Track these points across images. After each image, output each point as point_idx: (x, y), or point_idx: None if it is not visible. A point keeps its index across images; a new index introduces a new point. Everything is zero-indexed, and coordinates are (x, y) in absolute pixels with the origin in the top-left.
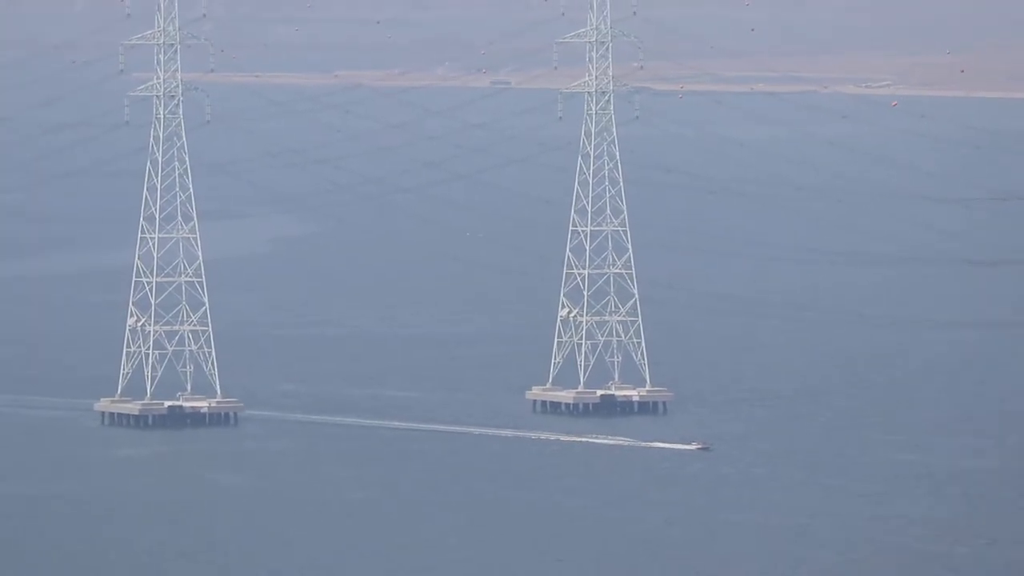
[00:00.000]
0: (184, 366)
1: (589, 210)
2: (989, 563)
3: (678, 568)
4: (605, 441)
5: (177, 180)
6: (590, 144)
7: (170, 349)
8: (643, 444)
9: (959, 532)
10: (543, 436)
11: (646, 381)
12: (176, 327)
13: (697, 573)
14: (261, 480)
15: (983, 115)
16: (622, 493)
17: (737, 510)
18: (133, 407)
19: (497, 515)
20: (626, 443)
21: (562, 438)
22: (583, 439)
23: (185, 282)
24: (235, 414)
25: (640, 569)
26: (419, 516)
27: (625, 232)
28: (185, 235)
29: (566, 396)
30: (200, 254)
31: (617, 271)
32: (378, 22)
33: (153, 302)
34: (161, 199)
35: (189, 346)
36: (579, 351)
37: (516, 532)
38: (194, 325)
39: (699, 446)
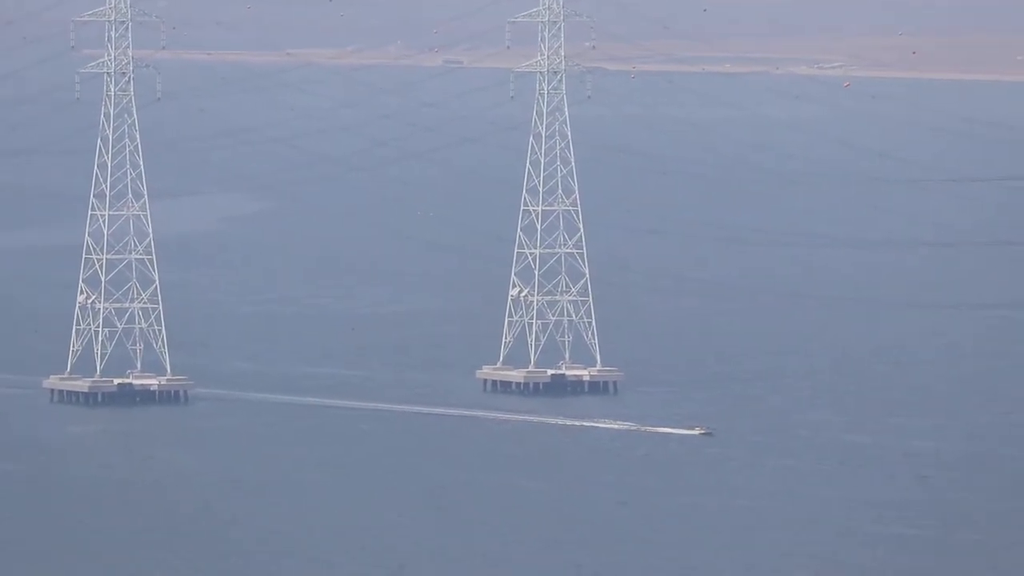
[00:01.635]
0: (134, 344)
1: (541, 189)
2: (945, 546)
3: (630, 549)
4: (610, 425)
5: (128, 157)
6: (542, 124)
7: (120, 326)
8: (645, 429)
9: (910, 514)
10: (494, 416)
11: (597, 361)
12: (126, 305)
13: (647, 554)
14: (211, 458)
15: (935, 97)
16: (574, 474)
17: (688, 491)
18: (82, 384)
19: (448, 495)
20: (628, 428)
21: (515, 417)
22: (535, 419)
23: (135, 260)
24: (185, 392)
25: (592, 550)
26: (370, 496)
27: (576, 212)
28: (135, 212)
29: (517, 375)
30: (151, 232)
31: (568, 251)
32: (330, 0)
33: (103, 279)
34: (112, 176)
35: (139, 324)
36: (530, 331)
37: (468, 512)
38: (144, 303)
39: (702, 431)
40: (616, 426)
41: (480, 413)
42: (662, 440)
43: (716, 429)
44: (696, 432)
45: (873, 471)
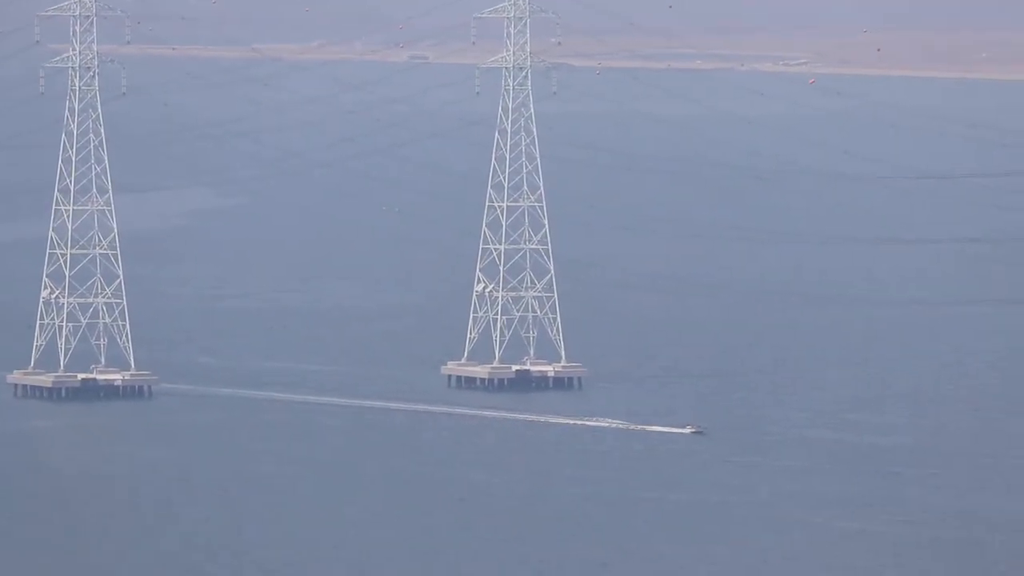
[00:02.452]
0: (98, 339)
1: (506, 185)
2: (904, 541)
3: (593, 543)
4: (600, 424)
5: (92, 152)
6: (507, 120)
7: (84, 321)
8: (636, 427)
9: (873, 510)
10: (458, 411)
11: (561, 357)
12: (90, 299)
13: (611, 548)
14: (175, 454)
15: (899, 93)
16: (538, 469)
17: (652, 487)
18: (46, 379)
19: (412, 490)
20: (617, 426)
21: (481, 413)
22: (504, 415)
23: (100, 254)
24: (149, 387)
25: (556, 544)
26: (335, 491)
27: (542, 208)
28: (100, 207)
29: (481, 371)
30: (115, 226)
31: (533, 247)
32: None
33: (67, 274)
34: (76, 171)
35: (103, 319)
36: (495, 326)
37: (432, 507)
38: (108, 298)
39: (693, 430)
40: (607, 424)
41: (444, 409)
42: (638, 437)
43: (707, 428)
44: (687, 430)
45: (839, 467)
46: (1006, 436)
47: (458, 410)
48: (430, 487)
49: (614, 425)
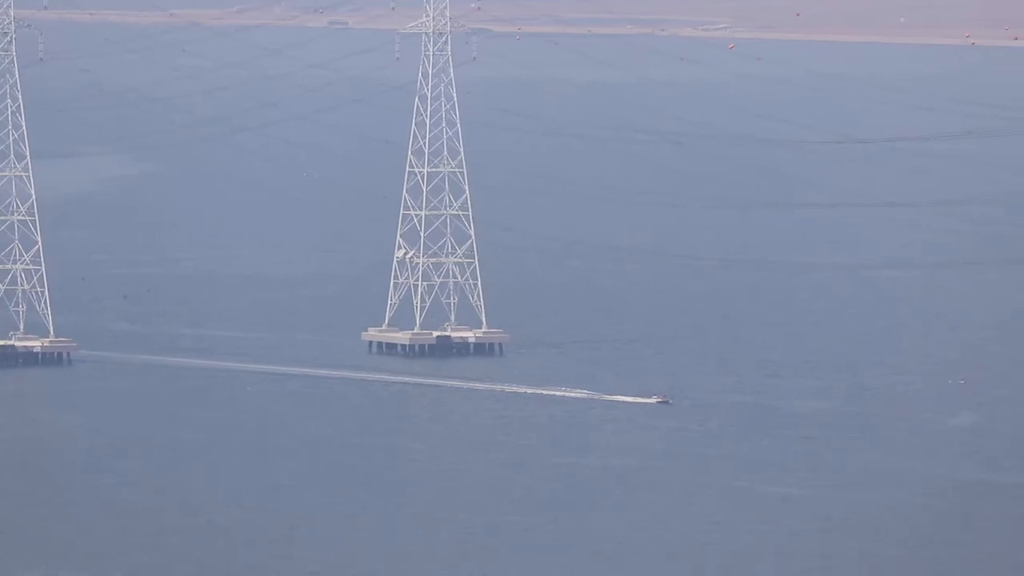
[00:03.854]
0: (16, 305)
1: (426, 151)
2: (831, 506)
3: (517, 508)
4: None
5: (10, 118)
6: (427, 85)
7: (2, 288)
8: (604, 397)
9: (794, 474)
10: (379, 377)
11: (482, 323)
12: (8, 266)
13: (531, 514)
14: (95, 420)
15: (818, 58)
16: (460, 435)
17: (571, 452)
18: None
19: (334, 457)
20: (584, 396)
21: (405, 379)
22: (426, 381)
23: (18, 221)
24: (68, 354)
25: (479, 509)
26: (257, 458)
27: (462, 173)
28: (18, 173)
29: (402, 337)
30: (33, 193)
31: (454, 212)
32: None
33: None
34: None
35: (22, 285)
36: (415, 292)
37: (354, 474)
38: (27, 264)
39: (659, 399)
40: (573, 395)
41: (365, 375)
42: (556, 403)
43: (673, 397)
44: (653, 400)
45: (759, 432)
46: (924, 399)
47: (379, 376)
48: (352, 453)
49: (577, 395)
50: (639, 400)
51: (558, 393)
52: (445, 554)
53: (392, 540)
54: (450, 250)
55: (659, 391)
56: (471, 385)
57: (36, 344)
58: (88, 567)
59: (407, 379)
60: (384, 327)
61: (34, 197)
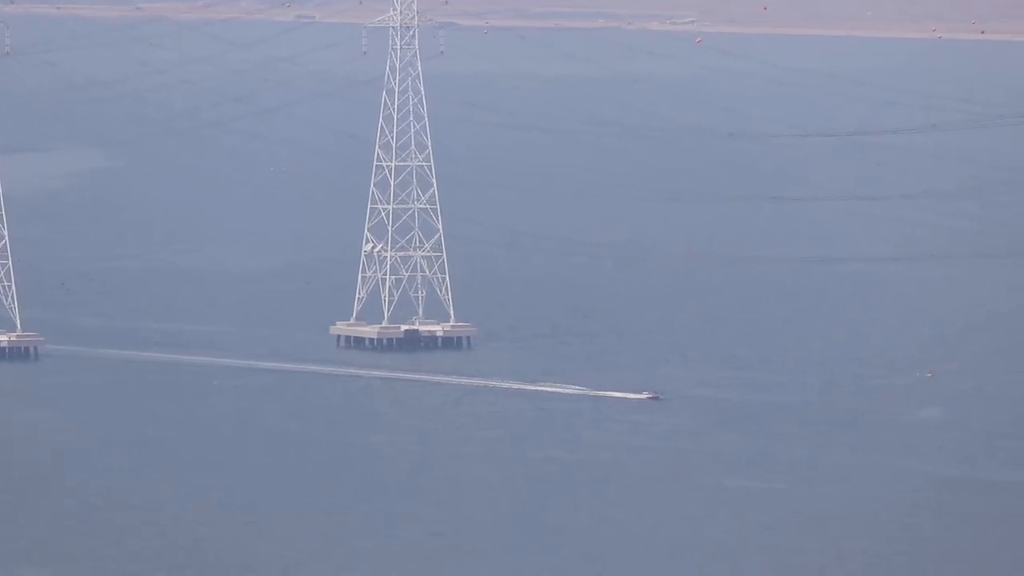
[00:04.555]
0: None
1: (394, 145)
2: (795, 499)
3: (486, 502)
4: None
5: None
6: (395, 79)
7: None
8: (594, 393)
9: (762, 469)
10: (347, 371)
11: (450, 316)
12: None
13: (501, 508)
14: (62, 415)
15: (785, 52)
16: (428, 429)
17: (544, 447)
18: None
19: (302, 451)
20: (576, 391)
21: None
22: (392, 375)
23: None
24: (35, 348)
25: (445, 505)
26: (224, 452)
27: (430, 167)
28: None
29: (370, 331)
30: (0, 187)
31: (422, 206)
32: None
33: None
34: None
35: None
36: (383, 286)
37: (321, 468)
38: None
39: (649, 395)
40: (565, 391)
41: (333, 369)
42: (515, 396)
43: (663, 393)
44: (644, 396)
45: (728, 426)
46: (893, 393)
47: (347, 370)
48: (319, 448)
49: (571, 391)
50: (629, 396)
51: (620, 395)
52: (412, 549)
53: (359, 535)
54: (418, 244)
55: (649, 387)
56: (439, 379)
57: (3, 338)
58: (52, 564)
59: (375, 373)
60: (352, 321)
61: (0, 191)
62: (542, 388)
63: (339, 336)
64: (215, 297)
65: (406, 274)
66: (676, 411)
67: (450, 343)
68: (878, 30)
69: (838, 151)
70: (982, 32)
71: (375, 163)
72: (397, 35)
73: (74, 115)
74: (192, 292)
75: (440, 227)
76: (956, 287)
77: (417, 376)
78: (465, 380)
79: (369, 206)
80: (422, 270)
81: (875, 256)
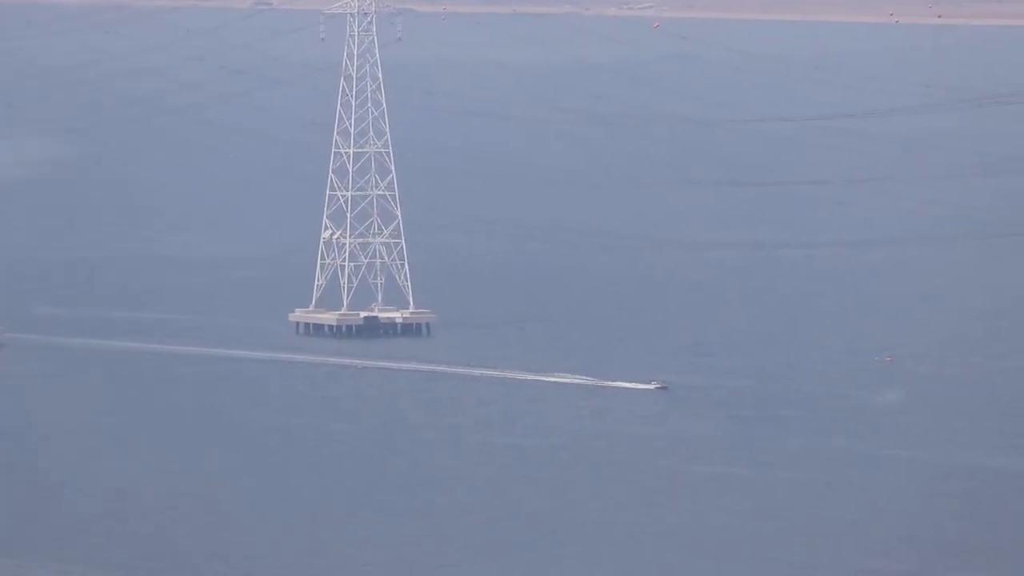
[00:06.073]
0: None
1: (352, 132)
2: (758, 483)
3: (445, 488)
4: (564, 380)
5: None
6: (352, 65)
7: None
8: (603, 384)
9: (725, 453)
10: (307, 359)
11: (409, 303)
12: None
13: (460, 494)
14: (19, 404)
15: (743, 38)
16: (387, 416)
17: (504, 433)
18: None
19: (262, 439)
20: (584, 382)
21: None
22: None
23: None
24: None
25: (405, 492)
26: (184, 441)
27: (388, 154)
28: None
29: (329, 318)
30: None
31: (380, 193)
32: None
33: None
34: None
35: None
36: (342, 273)
37: (282, 456)
38: None
39: (658, 385)
40: (572, 380)
41: (292, 356)
42: (473, 382)
43: (672, 383)
44: (652, 386)
45: (687, 411)
46: (852, 377)
47: (306, 357)
48: (280, 435)
49: (576, 381)
50: (637, 386)
51: (629, 385)
52: (373, 536)
53: (320, 523)
54: (377, 230)
55: (658, 377)
56: (399, 365)
57: None
58: (11, 554)
59: (335, 360)
60: (311, 308)
61: None
62: (498, 374)
63: (298, 323)
64: (173, 284)
65: (365, 261)
66: (633, 396)
67: (409, 329)
68: (836, 15)
69: (797, 136)
70: (939, 16)
71: (333, 150)
72: (355, 21)
73: (29, 103)
74: (150, 280)
75: (399, 214)
76: (915, 271)
77: (376, 363)
78: (424, 367)
79: (328, 193)
80: (381, 257)
81: (836, 241)
